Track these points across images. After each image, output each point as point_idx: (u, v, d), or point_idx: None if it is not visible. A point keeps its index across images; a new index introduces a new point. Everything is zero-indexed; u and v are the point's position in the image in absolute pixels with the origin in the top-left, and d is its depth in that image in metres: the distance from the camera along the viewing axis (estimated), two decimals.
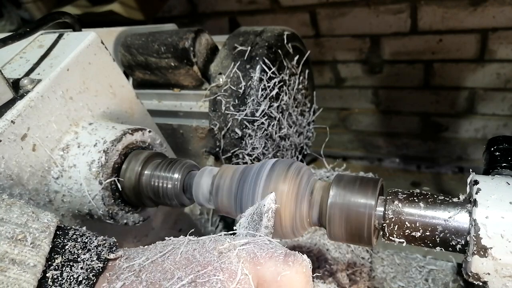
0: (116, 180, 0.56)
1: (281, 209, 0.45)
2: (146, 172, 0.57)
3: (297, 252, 0.36)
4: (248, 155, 0.78)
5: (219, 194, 0.51)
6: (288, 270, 0.34)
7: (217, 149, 0.81)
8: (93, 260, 0.35)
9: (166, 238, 0.39)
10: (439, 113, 1.91)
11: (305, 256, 0.36)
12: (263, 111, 0.76)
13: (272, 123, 0.80)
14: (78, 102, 0.60)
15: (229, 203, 0.50)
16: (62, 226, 0.38)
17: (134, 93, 0.72)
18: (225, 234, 0.38)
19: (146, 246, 0.38)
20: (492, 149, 0.51)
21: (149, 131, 0.62)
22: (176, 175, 0.55)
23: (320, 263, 0.73)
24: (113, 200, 0.56)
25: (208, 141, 0.83)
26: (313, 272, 0.71)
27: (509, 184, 0.40)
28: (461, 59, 1.67)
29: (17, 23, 1.49)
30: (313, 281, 0.69)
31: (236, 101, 0.76)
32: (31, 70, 0.57)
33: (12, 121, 0.49)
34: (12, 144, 0.50)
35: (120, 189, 0.57)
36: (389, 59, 1.79)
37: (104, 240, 0.38)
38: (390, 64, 1.81)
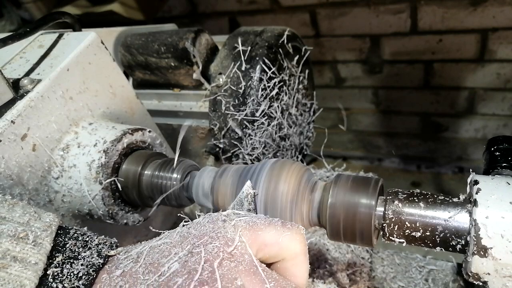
0: (116, 180, 0.56)
1: (280, 209, 0.45)
2: (146, 172, 0.57)
3: None
4: (248, 155, 0.78)
5: (219, 194, 0.51)
6: (288, 232, 0.36)
7: (217, 149, 0.81)
8: (94, 257, 0.36)
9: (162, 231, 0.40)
10: (439, 113, 1.91)
11: None
12: (263, 111, 0.76)
13: (272, 123, 0.80)
14: (78, 102, 0.60)
15: (229, 203, 0.50)
16: (64, 226, 0.38)
17: (134, 93, 0.72)
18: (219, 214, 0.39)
19: (143, 242, 0.39)
20: (492, 149, 0.51)
21: (149, 131, 0.62)
22: (176, 175, 0.55)
23: (320, 263, 0.73)
24: (113, 200, 0.56)
25: (208, 141, 0.83)
26: (313, 272, 0.71)
27: (509, 184, 0.40)
28: (461, 59, 1.67)
29: (17, 23, 1.49)
30: (313, 281, 0.69)
31: (236, 101, 0.76)
32: (31, 70, 0.57)
33: (12, 121, 0.50)
34: (12, 144, 0.50)
35: (120, 189, 0.57)
36: (389, 59, 1.79)
37: (104, 239, 0.38)
38: (390, 64, 1.81)
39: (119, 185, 0.56)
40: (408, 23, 1.61)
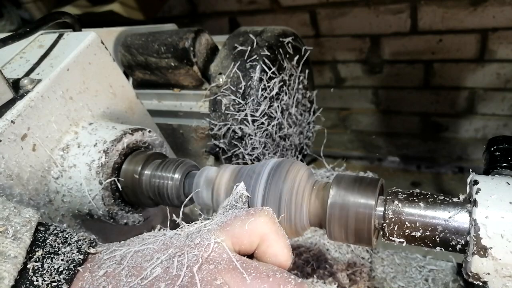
0: (116, 180, 0.56)
1: (281, 208, 0.45)
2: (146, 172, 0.57)
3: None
4: (248, 155, 0.78)
5: (217, 195, 0.51)
6: (252, 218, 0.38)
7: (217, 149, 0.81)
8: (74, 253, 0.36)
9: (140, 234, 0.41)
10: (439, 113, 1.91)
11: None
12: (263, 111, 0.76)
13: (272, 123, 0.80)
14: (78, 102, 0.60)
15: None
16: (44, 222, 0.39)
17: (134, 93, 0.72)
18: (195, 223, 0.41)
19: (123, 242, 0.40)
20: (492, 149, 0.51)
21: (149, 131, 0.62)
22: (176, 175, 0.55)
23: (320, 263, 0.73)
24: (113, 200, 0.56)
25: (208, 141, 0.83)
26: (313, 272, 0.71)
27: (509, 184, 0.40)
28: (461, 59, 1.67)
29: (17, 23, 1.49)
30: (313, 281, 0.69)
31: (236, 101, 0.76)
32: (31, 70, 0.57)
33: (12, 121, 0.50)
34: (12, 144, 0.50)
35: (120, 189, 0.57)
36: (389, 59, 1.79)
37: (84, 236, 0.39)
38: (390, 64, 1.81)
39: (119, 185, 0.56)
40: (408, 23, 1.62)
